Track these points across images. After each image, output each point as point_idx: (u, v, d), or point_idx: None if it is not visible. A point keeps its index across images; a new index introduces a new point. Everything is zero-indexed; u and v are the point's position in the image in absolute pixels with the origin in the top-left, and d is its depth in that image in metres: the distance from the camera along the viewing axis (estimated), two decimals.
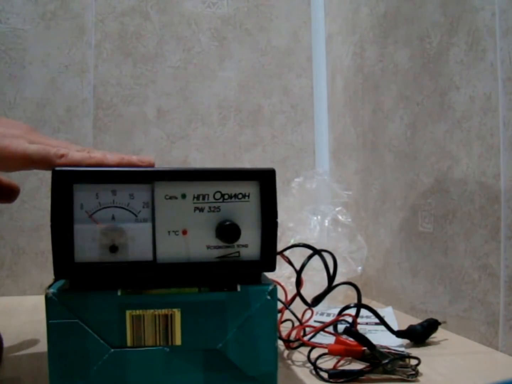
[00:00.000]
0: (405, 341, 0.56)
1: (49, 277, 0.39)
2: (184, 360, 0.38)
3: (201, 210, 0.38)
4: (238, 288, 0.39)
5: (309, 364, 0.49)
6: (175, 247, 0.38)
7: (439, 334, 0.58)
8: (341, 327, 0.56)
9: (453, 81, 0.61)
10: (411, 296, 0.71)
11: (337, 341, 0.51)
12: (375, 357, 0.47)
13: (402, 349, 0.53)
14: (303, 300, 0.56)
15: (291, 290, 0.58)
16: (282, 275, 0.69)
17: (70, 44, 0.90)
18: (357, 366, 0.47)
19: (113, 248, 0.37)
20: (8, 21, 0.87)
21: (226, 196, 0.39)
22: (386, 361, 0.46)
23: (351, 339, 0.50)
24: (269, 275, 0.42)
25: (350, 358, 0.50)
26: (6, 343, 0.53)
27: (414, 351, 0.53)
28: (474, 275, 0.58)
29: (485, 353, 0.54)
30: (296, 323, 0.58)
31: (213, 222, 0.38)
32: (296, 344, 0.54)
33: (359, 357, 0.48)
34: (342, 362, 0.49)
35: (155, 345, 0.38)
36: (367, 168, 0.84)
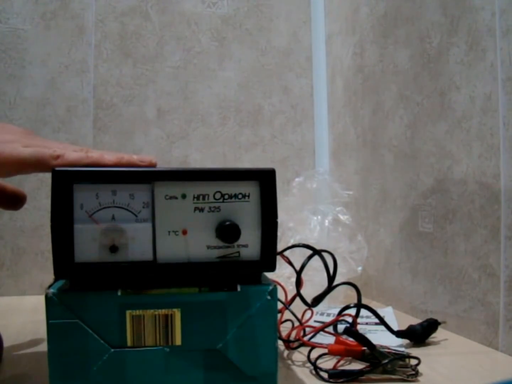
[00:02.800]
0: (405, 341, 0.56)
1: (49, 277, 0.39)
2: (184, 360, 0.38)
3: (201, 210, 0.38)
4: (238, 288, 0.39)
5: (309, 364, 0.49)
6: (175, 247, 0.38)
7: (439, 334, 0.58)
8: (341, 327, 0.56)
9: (453, 81, 0.61)
10: (411, 296, 0.71)
11: (337, 341, 0.51)
12: (375, 357, 0.47)
13: (402, 349, 0.53)
14: (303, 300, 0.56)
15: (291, 290, 0.58)
16: (282, 275, 0.69)
17: (70, 44, 0.90)
18: (357, 366, 0.47)
19: (113, 248, 0.37)
20: (8, 21, 0.87)
21: (226, 196, 0.39)
22: (386, 361, 0.46)
23: (351, 339, 0.50)
24: (269, 275, 0.42)
25: (350, 358, 0.50)
26: (6, 343, 0.53)
27: (414, 351, 0.53)
28: (474, 275, 0.58)
29: (485, 353, 0.54)
30: (296, 323, 0.58)
31: (213, 222, 0.38)
32: (296, 344, 0.54)
33: (359, 357, 0.48)
34: (342, 362, 0.49)
35: (155, 345, 0.37)
36: (367, 168, 0.84)
